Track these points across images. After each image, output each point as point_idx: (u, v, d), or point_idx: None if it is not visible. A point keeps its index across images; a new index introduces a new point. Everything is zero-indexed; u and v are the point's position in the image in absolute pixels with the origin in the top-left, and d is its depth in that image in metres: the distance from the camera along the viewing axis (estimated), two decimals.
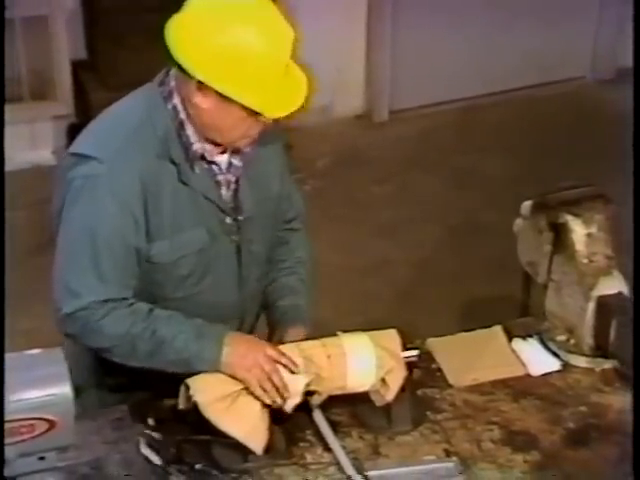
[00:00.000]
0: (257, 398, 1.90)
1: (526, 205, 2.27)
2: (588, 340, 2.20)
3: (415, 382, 2.09)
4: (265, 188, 2.05)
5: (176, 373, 1.92)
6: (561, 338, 2.24)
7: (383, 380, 1.97)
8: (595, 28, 5.20)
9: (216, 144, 1.95)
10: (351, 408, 2.04)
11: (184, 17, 1.90)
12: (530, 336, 2.26)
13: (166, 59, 1.88)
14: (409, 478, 1.91)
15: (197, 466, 1.90)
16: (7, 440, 1.63)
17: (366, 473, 1.91)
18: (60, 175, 1.96)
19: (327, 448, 1.96)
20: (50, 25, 4.39)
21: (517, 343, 2.25)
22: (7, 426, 1.62)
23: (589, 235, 2.18)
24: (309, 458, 1.96)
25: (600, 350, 2.19)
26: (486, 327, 2.30)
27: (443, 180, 4.30)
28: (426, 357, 2.18)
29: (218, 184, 1.99)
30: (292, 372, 1.90)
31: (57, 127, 4.50)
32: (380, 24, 4.71)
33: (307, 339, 2.00)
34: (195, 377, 1.90)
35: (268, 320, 2.15)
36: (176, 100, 1.92)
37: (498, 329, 2.29)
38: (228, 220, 2.00)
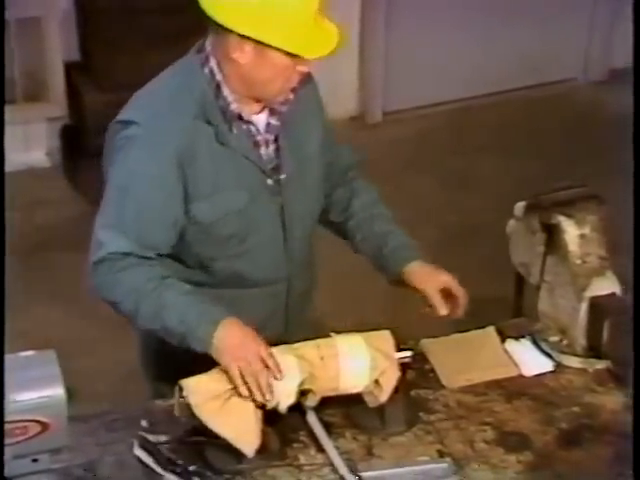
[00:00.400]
0: (253, 400, 1.90)
1: (519, 206, 2.28)
2: (581, 341, 2.20)
3: (408, 383, 2.09)
4: (305, 147, 2.09)
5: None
6: (554, 339, 2.25)
7: (376, 381, 1.98)
8: (587, 30, 5.21)
9: (256, 103, 2.00)
10: (345, 409, 2.04)
11: None
12: (523, 337, 2.27)
13: (204, 20, 1.95)
14: (403, 479, 1.92)
15: (191, 468, 1.90)
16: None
17: (360, 474, 1.91)
18: (106, 143, 2.08)
19: (321, 449, 1.96)
20: (43, 27, 4.39)
21: (510, 344, 2.25)
22: None
23: (582, 236, 2.19)
24: (303, 459, 1.96)
25: (593, 351, 2.19)
26: (479, 328, 2.30)
27: (437, 181, 4.31)
28: (419, 358, 2.18)
29: (257, 144, 2.03)
30: (275, 378, 1.88)
31: (51, 129, 4.50)
32: (373, 25, 4.72)
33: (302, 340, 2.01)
34: (189, 378, 1.90)
35: (387, 275, 2.18)
36: (212, 63, 1.98)
37: (491, 330, 2.29)
38: (270, 182, 2.04)
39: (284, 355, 1.93)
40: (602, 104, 5.04)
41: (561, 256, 2.20)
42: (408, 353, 2.04)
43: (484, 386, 2.15)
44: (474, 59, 4.92)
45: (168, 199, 1.97)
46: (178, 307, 1.92)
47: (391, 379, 1.98)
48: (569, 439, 2.03)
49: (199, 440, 1.93)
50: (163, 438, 1.95)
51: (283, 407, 1.93)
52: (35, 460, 1.72)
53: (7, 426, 1.64)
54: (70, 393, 1.70)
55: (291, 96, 2.02)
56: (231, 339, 1.90)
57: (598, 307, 2.16)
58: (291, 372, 1.91)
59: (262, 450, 1.92)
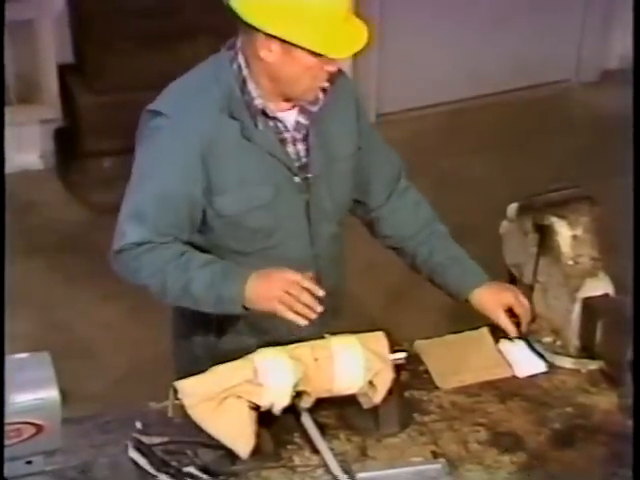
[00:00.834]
0: (250, 402, 1.90)
1: (512, 207, 2.28)
2: (574, 341, 2.21)
3: (402, 384, 2.09)
4: (335, 147, 2.10)
5: None
6: (547, 339, 2.25)
7: (371, 382, 1.98)
8: (580, 31, 5.22)
9: (284, 101, 2.02)
10: (339, 410, 2.05)
11: None
12: (517, 337, 2.27)
13: (231, 16, 1.96)
14: None
15: (185, 469, 1.90)
16: None
17: (354, 475, 1.91)
18: (138, 130, 2.11)
19: (315, 450, 1.97)
20: (37, 29, 4.38)
21: (504, 345, 2.25)
22: None
23: (575, 237, 2.19)
24: (297, 460, 1.96)
25: (586, 351, 2.20)
26: (473, 329, 2.31)
27: (430, 183, 4.29)
28: (413, 359, 2.18)
29: (284, 142, 2.05)
30: (314, 296, 1.93)
31: (44, 131, 4.50)
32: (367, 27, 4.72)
33: (297, 341, 2.01)
34: (183, 380, 1.90)
35: (454, 298, 2.23)
36: (240, 59, 2.01)
37: (485, 331, 2.29)
38: (297, 179, 2.06)
39: (278, 357, 1.93)
40: (595, 105, 5.05)
41: (554, 257, 2.21)
42: (402, 354, 2.04)
43: (478, 387, 2.15)
44: (467, 61, 4.93)
45: (188, 187, 2.01)
46: (203, 277, 1.99)
47: (385, 380, 1.98)
48: (562, 439, 2.03)
49: (193, 442, 1.93)
50: (157, 440, 1.95)
51: (277, 409, 1.93)
52: (29, 462, 1.72)
53: None
54: (64, 395, 1.70)
55: (321, 96, 2.03)
56: (260, 285, 1.96)
57: (591, 308, 2.17)
58: (285, 373, 1.91)
59: (256, 452, 1.92)
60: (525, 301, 2.20)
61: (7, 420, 1.64)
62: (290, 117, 2.05)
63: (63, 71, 4.43)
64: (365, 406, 2.01)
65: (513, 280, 2.34)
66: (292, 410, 1.98)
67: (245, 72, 2.00)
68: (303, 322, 1.94)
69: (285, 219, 2.08)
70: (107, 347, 3.58)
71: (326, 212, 2.13)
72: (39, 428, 1.68)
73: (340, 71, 2.07)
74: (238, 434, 1.90)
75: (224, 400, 1.89)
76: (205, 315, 2.10)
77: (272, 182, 2.04)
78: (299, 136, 2.06)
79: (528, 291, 2.28)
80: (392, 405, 2.02)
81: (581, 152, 4.55)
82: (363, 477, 1.91)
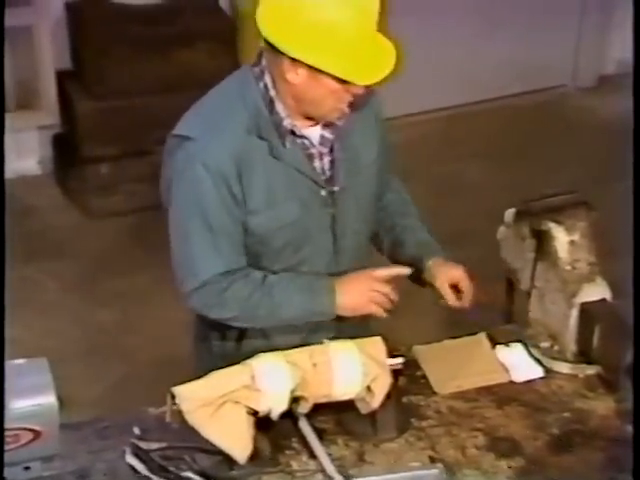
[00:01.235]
0: (248, 407, 1.90)
1: (509, 212, 2.29)
2: (571, 346, 2.21)
3: (400, 389, 2.10)
4: (361, 159, 2.12)
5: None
6: (545, 345, 2.26)
7: (368, 388, 1.98)
8: (576, 37, 5.23)
9: (308, 119, 2.03)
10: (336, 416, 2.05)
11: None
12: (517, 342, 2.27)
13: (259, 38, 1.97)
14: None
15: (183, 475, 1.90)
16: None
17: None
18: (165, 156, 2.07)
19: (313, 455, 1.97)
20: (35, 35, 4.39)
21: (501, 350, 2.26)
22: None
23: (572, 242, 2.19)
24: (295, 465, 1.96)
25: (583, 356, 2.20)
26: (470, 334, 2.31)
27: (427, 188, 4.31)
28: (411, 364, 2.18)
29: (311, 157, 2.06)
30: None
31: (42, 137, 4.50)
32: None
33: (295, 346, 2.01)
34: (180, 386, 1.91)
35: (402, 263, 2.21)
36: (267, 78, 2.00)
37: (482, 336, 2.30)
38: (323, 193, 2.07)
39: (276, 362, 1.94)
40: (591, 111, 5.06)
41: (551, 262, 2.21)
42: (400, 359, 2.05)
43: (475, 392, 2.15)
44: (464, 67, 4.94)
45: (238, 209, 2.01)
46: (290, 301, 2.05)
47: (383, 385, 1.98)
48: (560, 444, 2.03)
49: (191, 447, 1.93)
50: (155, 445, 1.95)
51: (275, 414, 1.94)
52: (27, 468, 1.72)
53: None
54: (62, 401, 1.71)
55: (347, 110, 2.02)
56: (350, 293, 2.05)
57: (588, 313, 2.17)
58: (283, 379, 1.91)
59: (254, 457, 1.92)
60: (468, 280, 2.18)
61: (5, 426, 1.64)
62: (315, 132, 2.05)
63: (61, 77, 4.44)
64: (363, 411, 2.01)
65: (511, 285, 2.34)
66: (290, 415, 1.98)
67: (272, 93, 2.00)
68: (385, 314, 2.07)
69: (312, 234, 2.09)
70: (105, 352, 3.58)
71: (351, 227, 2.13)
72: (37, 434, 1.68)
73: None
74: (236, 439, 1.90)
75: (222, 405, 1.90)
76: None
77: (299, 198, 2.05)
78: (325, 150, 2.07)
79: (525, 296, 2.28)
80: (390, 410, 2.02)
81: (578, 157, 4.56)
82: None
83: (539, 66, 5.08)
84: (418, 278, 2.20)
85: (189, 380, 1.91)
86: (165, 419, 1.92)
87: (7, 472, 1.67)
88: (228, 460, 1.91)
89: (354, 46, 1.90)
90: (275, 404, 1.92)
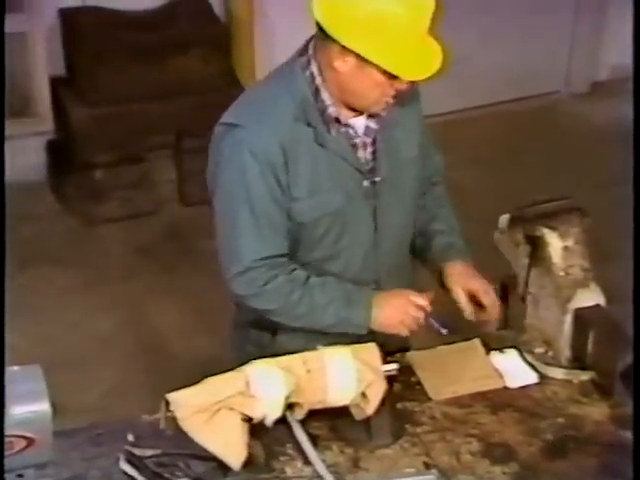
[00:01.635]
0: (242, 414, 1.90)
1: (503, 218, 2.29)
2: (566, 352, 2.21)
3: (395, 395, 2.10)
4: (402, 151, 2.13)
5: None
6: (539, 350, 2.26)
7: (363, 394, 1.98)
8: (569, 43, 5.25)
9: (352, 109, 2.04)
10: (331, 422, 2.05)
11: None
12: (511, 347, 2.27)
13: (312, 22, 1.98)
14: None
15: None
16: None
17: None
18: (212, 143, 2.09)
19: (307, 462, 1.96)
20: (29, 41, 4.39)
21: (495, 356, 2.26)
22: None
23: (566, 248, 2.20)
24: (289, 472, 1.96)
25: (578, 362, 2.20)
26: (465, 340, 2.31)
27: None
28: (406, 370, 2.18)
29: (355, 146, 2.08)
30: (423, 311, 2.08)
31: (37, 143, 4.50)
32: None
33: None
34: (175, 392, 1.90)
35: (429, 268, 2.25)
36: (313, 66, 2.02)
37: (477, 342, 2.30)
38: (365, 183, 2.09)
39: (270, 368, 1.93)
40: (585, 117, 5.08)
41: (545, 268, 2.21)
42: (394, 365, 2.05)
43: (470, 398, 2.15)
44: (458, 73, 4.94)
45: (282, 196, 2.03)
46: (328, 307, 2.08)
47: (377, 392, 1.98)
48: (554, 450, 2.03)
49: (185, 454, 1.93)
50: (149, 452, 1.95)
51: (270, 420, 1.93)
52: (20, 475, 1.72)
53: None
54: (55, 408, 1.70)
55: (391, 102, 2.04)
56: (386, 311, 2.08)
57: (582, 319, 2.17)
58: (278, 385, 1.91)
59: (248, 463, 1.92)
60: (494, 298, 2.18)
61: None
62: (360, 122, 2.08)
63: (55, 84, 4.44)
64: (357, 417, 2.01)
65: (505, 291, 2.34)
66: (284, 421, 1.97)
67: (318, 80, 2.02)
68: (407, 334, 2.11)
69: (352, 225, 2.11)
70: (98, 359, 3.58)
71: (392, 219, 2.15)
72: (30, 441, 1.67)
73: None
74: (230, 446, 1.90)
75: (216, 412, 1.89)
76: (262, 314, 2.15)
77: (343, 188, 2.07)
78: (368, 140, 2.09)
79: (520, 302, 2.28)
80: (384, 416, 2.02)
81: (571, 163, 4.57)
82: None
83: (532, 72, 5.10)
84: (443, 283, 2.21)
85: (183, 387, 1.91)
86: (159, 426, 1.92)
87: None
88: (222, 467, 1.91)
89: (404, 42, 1.92)
90: (270, 410, 1.92)
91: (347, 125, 2.06)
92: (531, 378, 2.21)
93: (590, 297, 2.19)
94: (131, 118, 4.24)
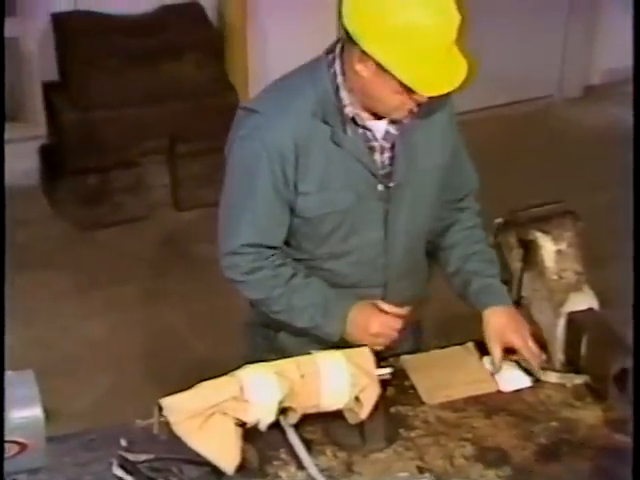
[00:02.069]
0: (236, 419, 1.90)
1: (496, 222, 2.29)
2: (559, 356, 2.21)
3: (388, 399, 2.10)
4: (422, 160, 2.12)
5: None
6: None
7: (357, 398, 1.98)
8: (562, 47, 5.27)
9: (371, 114, 2.04)
10: (324, 426, 2.05)
11: None
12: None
13: (338, 21, 2.01)
14: None
15: None
16: None
17: None
18: (234, 122, 2.11)
19: (301, 466, 1.96)
20: (21, 46, 4.39)
21: (489, 360, 2.26)
22: None
23: (559, 252, 2.20)
24: (283, 476, 1.96)
25: (571, 366, 2.20)
26: (458, 344, 2.31)
27: None
28: (399, 374, 2.18)
29: (372, 149, 2.07)
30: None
31: (29, 148, 4.50)
32: None
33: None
34: (168, 397, 1.90)
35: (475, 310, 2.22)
36: (337, 65, 2.03)
37: (470, 346, 2.30)
38: (380, 187, 2.08)
39: (264, 373, 1.93)
40: (578, 121, 5.09)
41: (538, 272, 2.22)
42: (388, 370, 2.05)
43: (463, 402, 2.15)
44: None
45: (286, 189, 2.04)
46: (304, 311, 2.10)
47: (371, 396, 1.98)
48: (548, 454, 2.03)
49: (179, 459, 1.92)
50: (142, 457, 1.95)
51: (263, 425, 1.93)
52: None
53: None
54: (48, 413, 1.70)
55: (415, 111, 2.02)
56: (359, 325, 2.09)
57: (575, 322, 2.17)
58: (271, 390, 1.91)
59: (242, 468, 1.91)
60: (533, 351, 2.17)
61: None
62: (380, 126, 2.07)
63: (48, 89, 4.44)
64: (351, 422, 2.01)
65: None
66: (278, 426, 1.97)
67: (339, 79, 2.02)
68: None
69: (362, 226, 2.11)
70: (91, 364, 3.57)
71: (404, 225, 2.14)
72: (23, 446, 1.67)
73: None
74: (224, 450, 1.89)
75: (210, 417, 1.89)
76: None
77: (355, 189, 2.07)
78: (387, 145, 2.09)
79: (513, 306, 2.28)
80: (378, 420, 2.02)
81: (564, 167, 4.58)
82: None
83: (525, 77, 5.11)
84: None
85: (177, 391, 1.90)
86: (153, 431, 1.92)
87: None
88: (216, 471, 1.90)
89: (426, 55, 1.91)
90: (263, 415, 1.92)
91: (365, 127, 2.06)
92: (525, 382, 2.21)
93: (583, 301, 2.19)
94: (124, 123, 4.24)
